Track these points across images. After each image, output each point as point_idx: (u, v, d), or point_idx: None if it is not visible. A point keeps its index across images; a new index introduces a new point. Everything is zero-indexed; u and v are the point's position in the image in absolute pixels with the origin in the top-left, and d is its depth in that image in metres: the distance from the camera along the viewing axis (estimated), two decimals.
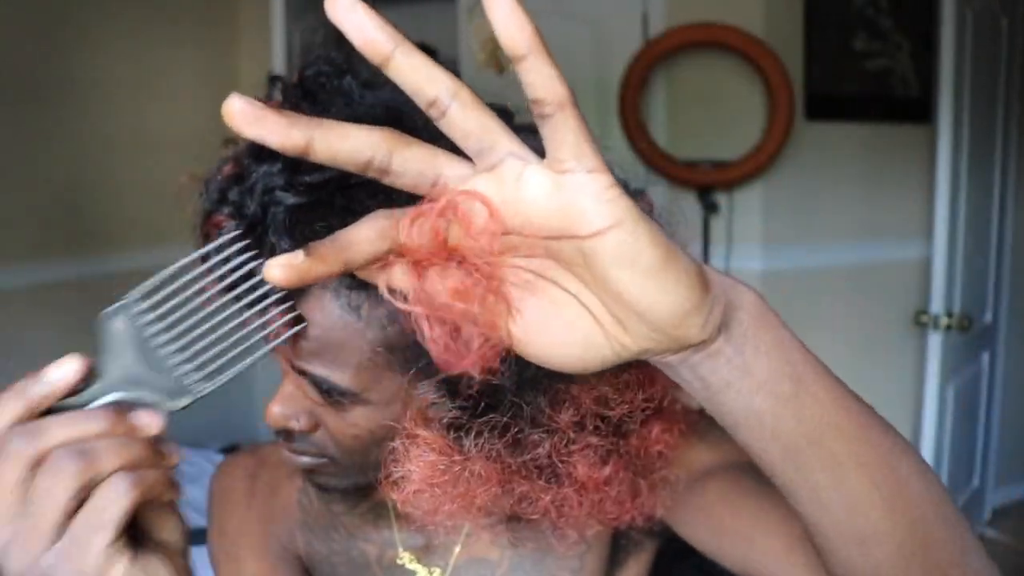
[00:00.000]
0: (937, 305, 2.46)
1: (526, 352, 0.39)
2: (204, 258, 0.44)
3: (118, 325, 0.41)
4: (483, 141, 0.35)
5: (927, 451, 2.56)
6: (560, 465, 0.58)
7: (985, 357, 2.98)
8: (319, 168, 0.55)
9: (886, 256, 2.90)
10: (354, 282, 0.53)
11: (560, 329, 0.38)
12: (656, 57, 2.60)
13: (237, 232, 0.44)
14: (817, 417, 0.41)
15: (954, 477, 2.74)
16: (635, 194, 0.64)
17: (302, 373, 0.57)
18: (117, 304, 0.41)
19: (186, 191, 0.60)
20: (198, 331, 0.43)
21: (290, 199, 0.54)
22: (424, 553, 0.71)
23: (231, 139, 0.60)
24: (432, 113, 0.34)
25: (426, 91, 0.34)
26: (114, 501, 0.38)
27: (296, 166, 0.55)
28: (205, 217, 0.58)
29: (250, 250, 0.45)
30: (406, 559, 0.71)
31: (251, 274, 0.45)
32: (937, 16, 2.43)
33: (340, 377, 0.56)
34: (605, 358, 0.39)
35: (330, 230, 0.51)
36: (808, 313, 2.82)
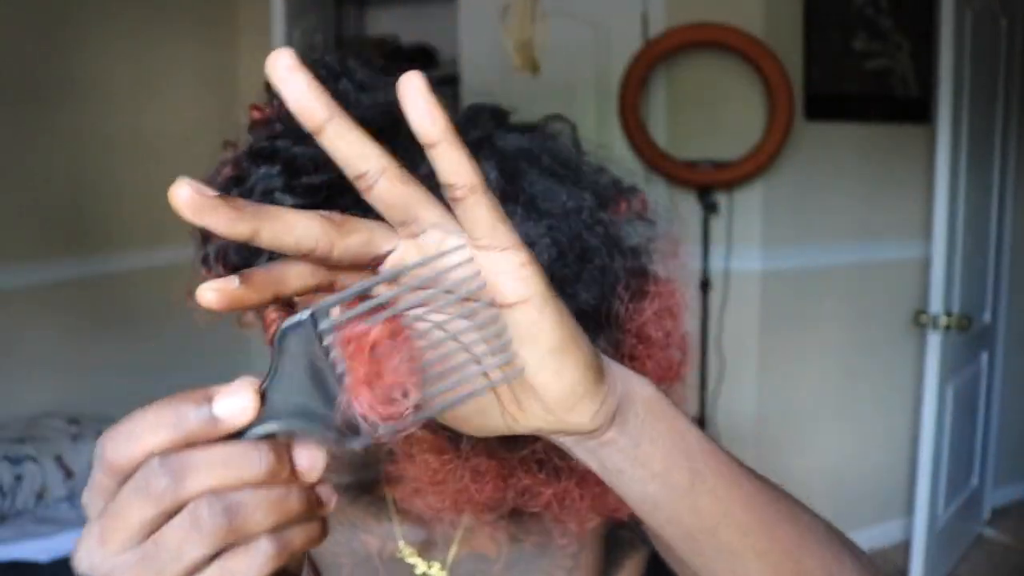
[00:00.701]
0: (936, 305, 2.46)
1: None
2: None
3: (293, 343, 0.34)
4: (407, 214, 0.36)
5: (926, 451, 2.56)
6: (560, 459, 0.58)
7: (984, 357, 2.98)
8: (318, 169, 0.55)
9: (885, 256, 2.90)
10: None
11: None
12: (656, 57, 2.60)
13: (460, 245, 0.36)
14: (713, 510, 0.42)
15: (953, 477, 2.74)
16: (630, 191, 0.64)
17: None
18: (297, 318, 0.34)
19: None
20: (389, 364, 0.35)
21: (289, 200, 0.54)
22: (424, 547, 0.71)
23: (230, 141, 0.60)
24: (359, 185, 0.35)
25: (356, 165, 0.34)
26: (252, 569, 0.33)
27: (295, 168, 0.55)
28: None
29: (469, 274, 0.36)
30: (406, 553, 0.71)
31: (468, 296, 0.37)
32: (937, 16, 2.43)
33: None
34: (496, 427, 0.40)
35: None
36: (808, 313, 2.82)
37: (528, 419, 0.39)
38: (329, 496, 0.36)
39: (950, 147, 2.41)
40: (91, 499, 0.34)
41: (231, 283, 0.33)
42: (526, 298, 0.36)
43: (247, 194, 0.55)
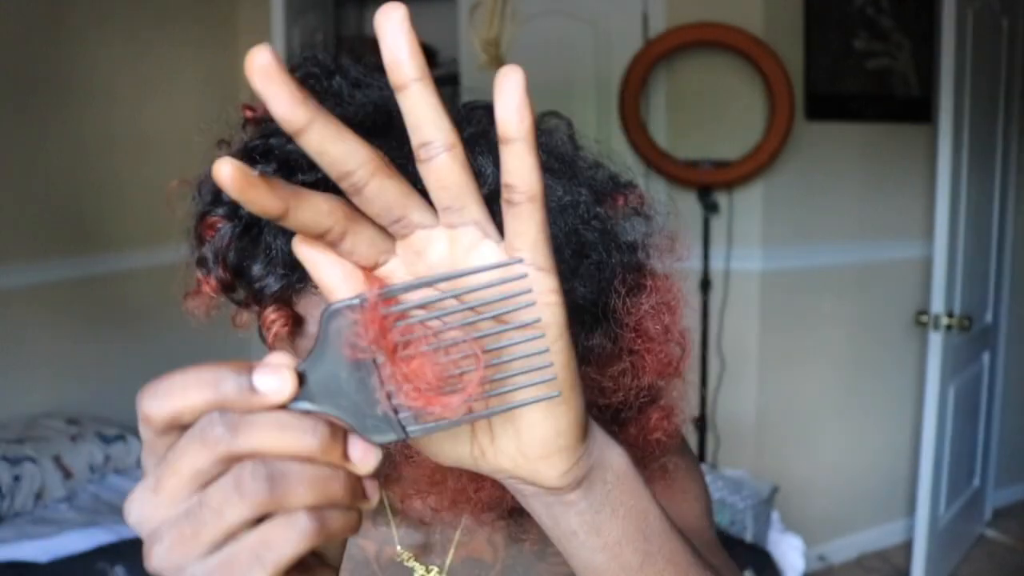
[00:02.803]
0: (938, 305, 2.46)
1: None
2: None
3: (339, 325, 0.34)
4: (397, 212, 0.36)
5: (928, 451, 2.56)
6: None
7: (985, 357, 2.98)
8: (313, 167, 0.55)
9: (886, 256, 2.90)
10: None
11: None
12: (656, 57, 2.60)
13: (517, 261, 0.35)
14: None
15: (954, 477, 2.74)
16: (627, 186, 0.63)
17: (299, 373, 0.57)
18: (348, 300, 0.34)
19: (176, 194, 0.60)
20: (433, 362, 0.34)
21: None
22: (422, 551, 0.71)
23: (224, 140, 0.60)
24: (345, 186, 0.34)
25: (342, 165, 0.34)
26: (288, 542, 0.33)
27: (291, 166, 0.54)
28: (199, 218, 0.57)
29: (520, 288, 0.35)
30: (404, 557, 0.70)
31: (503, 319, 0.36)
32: (937, 16, 2.43)
33: None
34: (460, 457, 0.40)
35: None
36: (808, 313, 2.82)
37: (497, 457, 0.39)
38: (373, 492, 0.36)
39: (951, 147, 2.40)
40: (144, 456, 0.35)
41: (252, 174, 0.32)
42: (547, 327, 0.35)
43: None
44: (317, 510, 0.33)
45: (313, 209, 0.34)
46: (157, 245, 2.55)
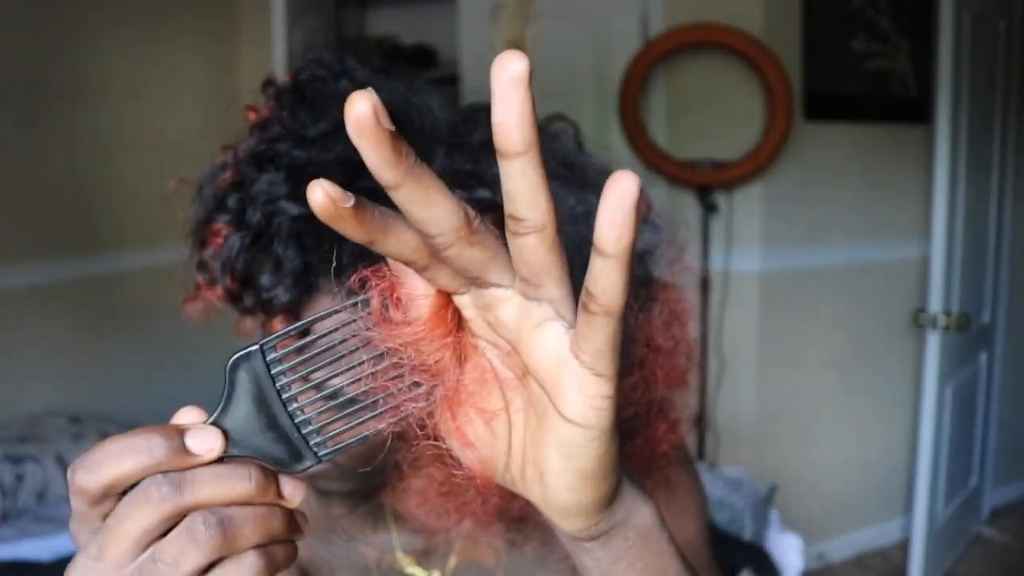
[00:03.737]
0: (935, 305, 2.47)
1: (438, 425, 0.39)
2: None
3: (243, 374, 0.37)
4: (483, 271, 0.34)
5: (925, 450, 2.56)
6: None
7: (983, 357, 2.98)
8: (322, 175, 0.54)
9: (884, 256, 2.91)
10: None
11: (478, 427, 0.38)
12: (656, 57, 2.60)
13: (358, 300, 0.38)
14: None
15: (952, 476, 2.75)
16: None
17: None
18: (244, 351, 0.37)
19: (175, 195, 0.60)
20: (329, 390, 0.38)
21: (295, 209, 0.53)
22: (423, 556, 0.70)
23: (229, 144, 0.60)
24: (427, 244, 0.33)
25: (442, 222, 0.32)
26: None
27: (299, 175, 0.54)
28: (204, 223, 0.57)
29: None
30: (405, 563, 0.70)
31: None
32: (936, 17, 2.43)
33: None
34: (494, 468, 0.40)
35: (335, 239, 0.51)
36: (807, 313, 2.82)
37: (523, 487, 0.39)
38: (303, 522, 0.39)
39: (949, 147, 2.41)
40: (76, 528, 0.36)
41: (346, 200, 0.31)
42: (590, 427, 0.35)
43: (250, 201, 0.55)
44: (263, 547, 0.36)
45: (400, 243, 0.33)
46: (157, 245, 2.55)
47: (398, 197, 0.31)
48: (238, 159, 0.58)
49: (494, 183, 0.57)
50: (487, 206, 0.55)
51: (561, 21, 2.75)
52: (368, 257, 0.52)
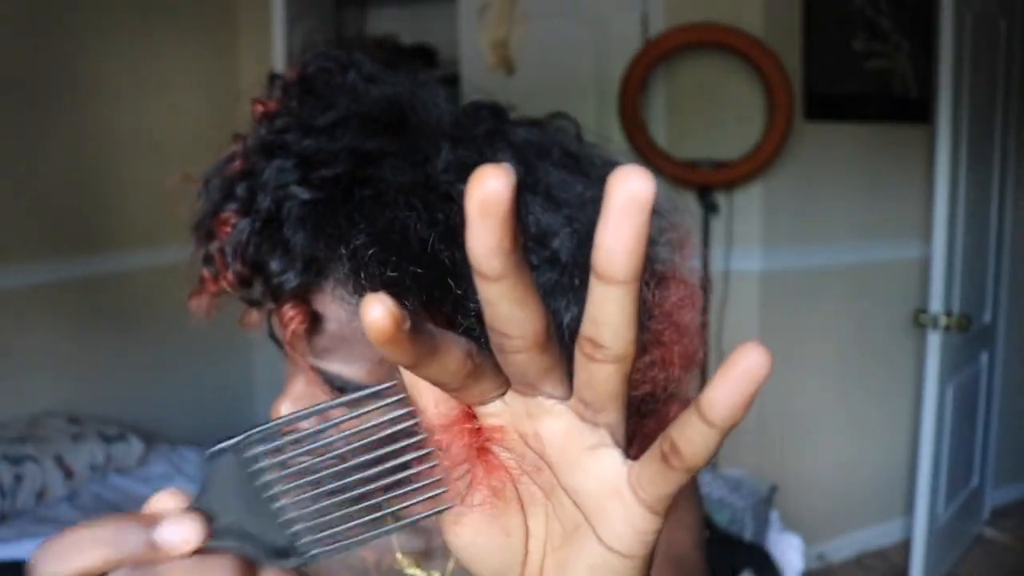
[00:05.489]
0: (936, 305, 2.47)
1: (445, 524, 0.36)
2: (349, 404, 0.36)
3: (224, 465, 0.35)
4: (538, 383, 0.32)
5: (926, 451, 2.56)
6: None
7: (984, 357, 2.98)
8: (331, 163, 0.54)
9: (885, 256, 2.91)
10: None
11: (491, 531, 0.35)
12: (656, 57, 2.60)
13: (391, 385, 0.35)
14: None
15: (953, 476, 2.75)
16: None
17: (315, 370, 0.57)
18: (227, 443, 0.35)
19: (177, 191, 0.60)
20: (319, 489, 0.35)
21: (305, 194, 0.53)
22: (423, 558, 0.70)
23: (240, 134, 0.60)
24: (494, 341, 0.30)
25: (521, 326, 0.29)
26: None
27: (309, 161, 0.54)
28: (211, 214, 0.57)
29: (403, 406, 0.35)
30: (405, 564, 0.70)
31: (394, 437, 0.36)
32: (936, 17, 2.43)
33: (355, 373, 0.56)
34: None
35: (345, 225, 0.49)
36: (807, 313, 2.82)
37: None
38: None
39: (950, 147, 2.41)
40: None
41: (404, 321, 0.27)
42: (632, 556, 0.32)
43: (260, 188, 0.54)
44: None
45: (440, 368, 0.30)
46: (157, 245, 2.55)
47: (493, 289, 0.27)
48: (247, 149, 0.58)
49: (519, 179, 0.57)
50: None
51: (561, 21, 2.75)
52: (377, 246, 0.52)
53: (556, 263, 0.54)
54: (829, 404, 2.94)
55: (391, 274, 0.51)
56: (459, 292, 0.52)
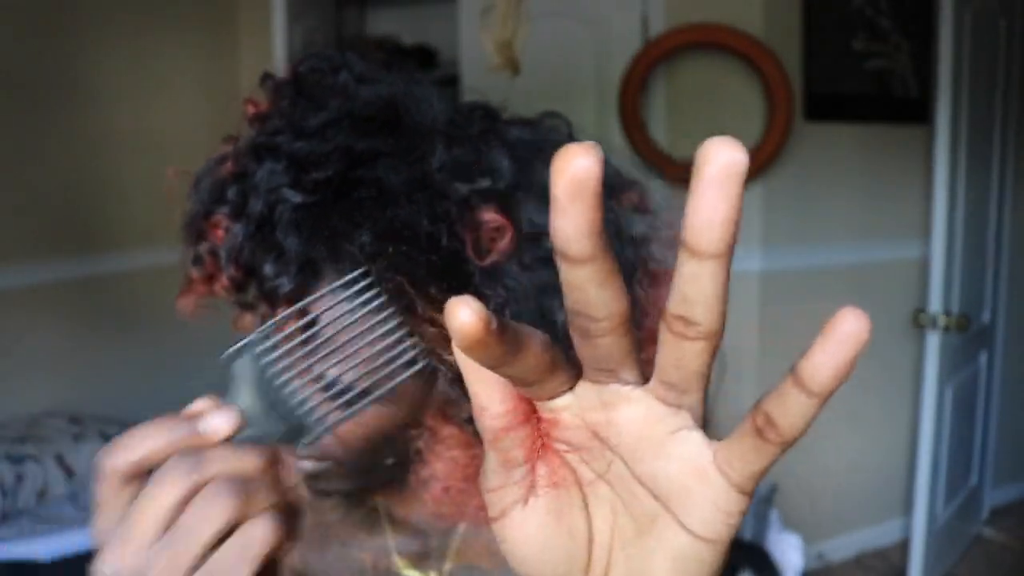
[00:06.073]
0: (935, 305, 2.47)
1: (502, 531, 0.35)
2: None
3: (241, 365, 0.41)
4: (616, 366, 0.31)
5: (925, 450, 2.56)
6: None
7: (983, 357, 2.99)
8: (323, 165, 0.55)
9: (884, 256, 2.91)
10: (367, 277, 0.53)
11: (554, 535, 0.34)
12: (656, 57, 2.61)
13: (362, 271, 0.45)
14: None
15: (952, 476, 2.75)
16: (631, 183, 0.64)
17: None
18: (240, 344, 0.41)
19: (175, 190, 0.60)
20: (318, 371, 0.43)
21: (297, 197, 0.53)
22: (420, 559, 0.70)
23: (231, 136, 0.60)
24: (575, 324, 0.29)
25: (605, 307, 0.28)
26: (261, 539, 0.38)
27: (301, 164, 0.54)
28: (202, 216, 0.57)
29: (372, 288, 0.46)
30: (402, 565, 0.70)
31: (372, 311, 0.45)
32: (936, 16, 2.44)
33: (350, 376, 0.56)
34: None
35: (338, 227, 0.50)
36: (807, 313, 2.82)
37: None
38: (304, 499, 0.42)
39: (949, 147, 2.41)
40: (100, 521, 0.38)
41: (492, 321, 0.26)
42: (718, 542, 0.32)
43: (251, 190, 0.55)
44: (274, 511, 0.39)
45: (520, 367, 0.29)
46: (157, 245, 2.55)
47: (580, 273, 0.26)
48: (237, 151, 0.58)
49: (494, 173, 0.57)
50: (489, 195, 0.56)
51: (561, 21, 2.75)
52: (374, 246, 0.52)
53: (550, 262, 0.55)
54: (828, 404, 2.91)
55: (404, 268, 0.52)
56: (476, 282, 0.53)
